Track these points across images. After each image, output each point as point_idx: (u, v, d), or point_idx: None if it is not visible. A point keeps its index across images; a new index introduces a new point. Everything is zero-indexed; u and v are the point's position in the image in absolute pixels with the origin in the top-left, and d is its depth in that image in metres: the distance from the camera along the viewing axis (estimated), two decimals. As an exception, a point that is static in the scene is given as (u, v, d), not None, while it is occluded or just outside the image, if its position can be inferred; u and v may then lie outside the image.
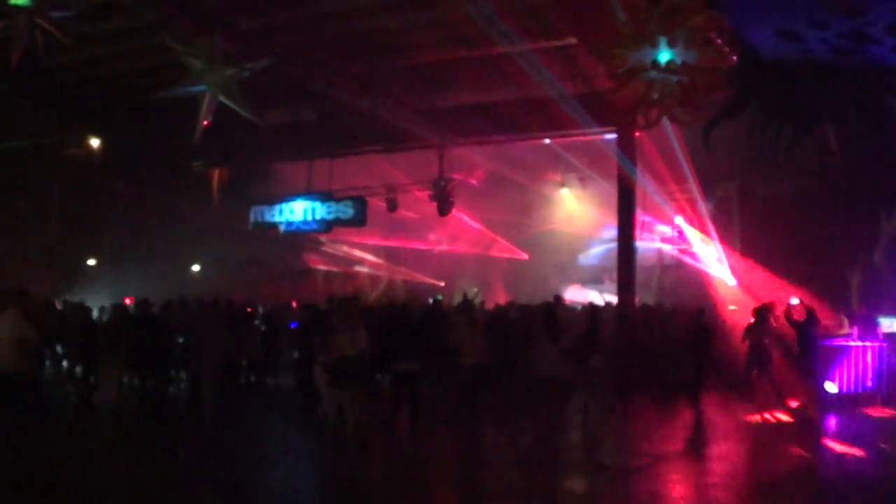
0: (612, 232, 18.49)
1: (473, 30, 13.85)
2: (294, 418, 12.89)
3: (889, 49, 12.46)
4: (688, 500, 8.58)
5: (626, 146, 16.03)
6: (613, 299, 17.70)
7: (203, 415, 12.55)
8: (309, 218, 19.80)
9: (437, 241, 26.73)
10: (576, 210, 24.21)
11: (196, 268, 24.54)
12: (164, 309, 14.71)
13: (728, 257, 19.54)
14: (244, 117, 13.57)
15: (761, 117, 15.00)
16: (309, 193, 19.94)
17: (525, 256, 25.96)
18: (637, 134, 15.93)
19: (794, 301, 16.36)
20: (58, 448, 10.38)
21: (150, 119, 18.32)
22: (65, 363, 14.70)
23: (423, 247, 26.55)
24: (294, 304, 19.22)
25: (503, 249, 26.08)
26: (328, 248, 26.17)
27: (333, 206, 19.58)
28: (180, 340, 13.55)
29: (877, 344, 14.59)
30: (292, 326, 15.81)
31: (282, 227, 20.26)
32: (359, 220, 19.63)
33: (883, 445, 11.42)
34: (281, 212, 20.18)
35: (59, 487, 8.45)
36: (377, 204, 20.74)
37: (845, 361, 14.35)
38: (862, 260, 17.40)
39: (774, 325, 14.30)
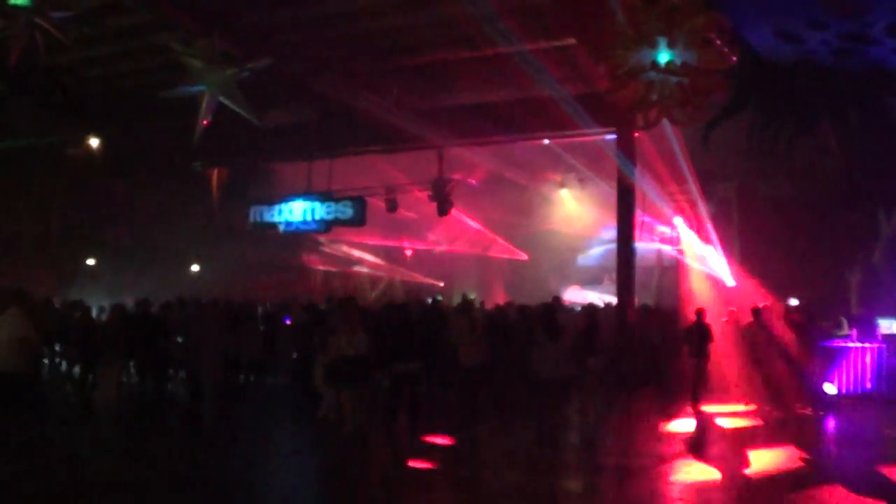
0: (611, 232, 18.51)
1: (473, 30, 13.86)
2: (293, 418, 12.89)
3: (889, 50, 12.47)
4: (687, 500, 8.58)
5: (626, 147, 16.04)
6: (613, 300, 17.72)
7: (202, 414, 12.55)
8: (308, 218, 19.80)
9: (437, 242, 26.75)
10: (575, 210, 24.23)
11: (195, 268, 24.54)
12: (163, 309, 14.72)
13: (727, 258, 19.54)
14: (244, 117, 13.57)
15: (761, 118, 15.01)
16: (308, 193, 19.94)
17: (524, 257, 25.98)
18: (636, 135, 15.95)
19: (793, 302, 16.39)
20: (57, 448, 10.39)
21: (149, 119, 18.33)
22: (62, 362, 14.71)
23: (422, 247, 26.57)
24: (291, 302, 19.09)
25: (502, 250, 26.10)
26: (327, 249, 26.17)
27: (333, 206, 19.58)
28: (179, 340, 13.56)
29: (876, 345, 14.60)
30: (286, 321, 15.81)
31: (281, 227, 20.26)
32: (358, 221, 19.63)
33: (882, 446, 11.43)
34: (280, 212, 20.19)
35: (58, 487, 8.45)
36: (377, 204, 20.74)
37: (844, 363, 14.37)
38: (861, 261, 17.41)
39: (773, 325, 14.30)
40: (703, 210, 19.46)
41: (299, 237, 22.94)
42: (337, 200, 19.64)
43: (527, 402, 13.23)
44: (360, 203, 19.54)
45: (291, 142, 19.47)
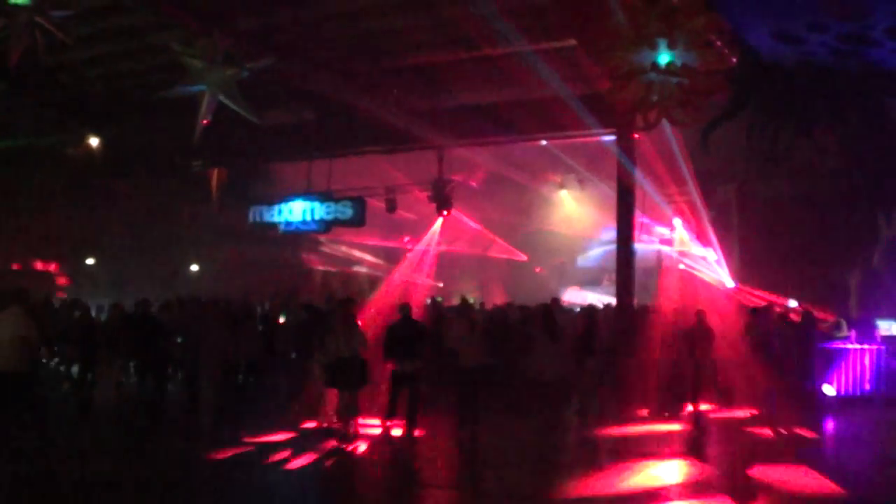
0: (610, 233, 18.50)
1: (474, 31, 13.84)
2: (292, 418, 12.89)
3: (889, 51, 12.47)
4: (684, 500, 8.59)
5: (626, 148, 16.02)
6: (612, 301, 17.72)
7: (201, 415, 12.56)
8: (308, 218, 19.80)
9: (436, 242, 26.71)
10: (574, 211, 24.25)
11: (195, 267, 24.54)
12: (162, 309, 14.71)
13: (727, 259, 19.55)
14: (244, 117, 13.57)
15: (760, 119, 15.00)
16: (308, 194, 19.95)
17: (524, 257, 25.99)
18: (636, 136, 15.93)
19: (792, 303, 16.40)
20: (56, 448, 10.39)
21: (149, 119, 18.31)
22: (61, 362, 14.70)
23: (421, 247, 26.55)
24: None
25: (502, 250, 26.11)
26: (327, 249, 26.17)
27: (332, 206, 19.58)
28: (179, 340, 13.56)
29: (875, 346, 14.60)
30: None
31: (281, 227, 20.26)
32: (358, 221, 19.63)
33: (881, 448, 11.44)
34: (280, 212, 20.18)
35: (58, 487, 8.45)
36: (376, 204, 20.74)
37: (843, 364, 14.36)
38: (860, 262, 17.42)
39: (772, 326, 14.30)
40: (703, 211, 19.47)
41: (299, 237, 22.94)
42: (336, 201, 19.64)
43: (526, 403, 13.26)
44: (359, 203, 19.54)
45: (291, 142, 19.45)
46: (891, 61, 12.84)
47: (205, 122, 13.34)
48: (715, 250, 19.80)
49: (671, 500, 8.53)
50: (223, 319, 13.91)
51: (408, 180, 20.94)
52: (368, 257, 27.31)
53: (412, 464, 10.11)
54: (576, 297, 23.68)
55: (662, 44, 9.65)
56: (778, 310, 15.36)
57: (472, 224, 25.20)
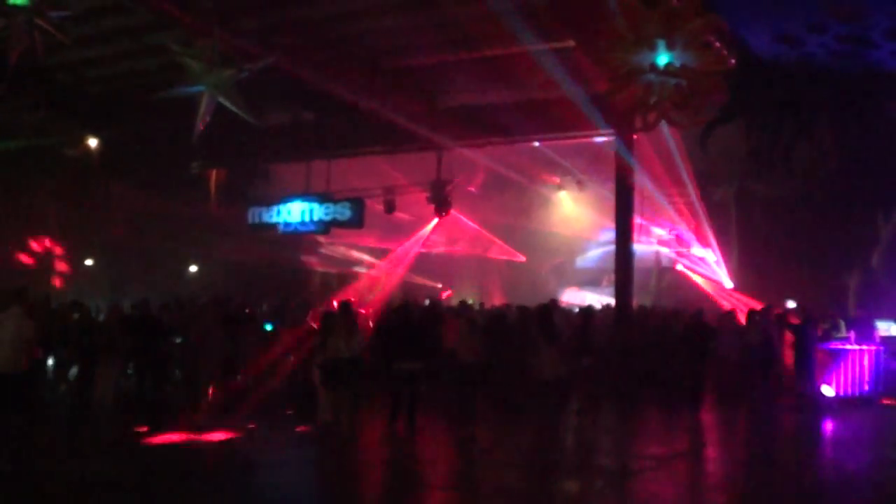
0: (609, 234, 18.51)
1: (473, 31, 13.86)
2: (291, 418, 12.89)
3: (887, 53, 12.51)
4: (682, 501, 8.59)
5: (624, 149, 16.04)
6: (611, 301, 17.73)
7: (199, 415, 12.54)
8: (307, 219, 19.80)
9: (435, 243, 26.71)
10: (573, 212, 24.24)
11: (194, 268, 24.52)
12: (162, 309, 14.69)
13: (725, 260, 19.57)
14: (242, 118, 13.56)
15: (759, 121, 15.03)
16: (307, 194, 19.95)
17: (522, 258, 25.99)
18: (635, 137, 15.95)
19: (791, 304, 16.40)
20: (55, 448, 10.39)
21: (148, 119, 18.30)
22: (51, 361, 14.67)
23: (421, 248, 26.54)
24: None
25: (501, 251, 26.11)
26: (326, 250, 26.15)
27: (331, 207, 19.58)
28: (178, 341, 13.54)
29: (874, 347, 14.60)
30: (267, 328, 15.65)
31: (280, 228, 20.27)
32: (356, 222, 19.63)
33: (881, 448, 11.44)
34: (279, 213, 20.18)
35: (57, 488, 8.44)
36: (376, 205, 20.73)
37: (842, 365, 14.37)
38: (859, 263, 17.43)
39: (770, 327, 14.31)
40: (702, 212, 19.49)
41: (298, 238, 22.93)
42: (335, 202, 19.64)
43: (525, 402, 13.25)
44: (358, 204, 19.54)
45: (290, 142, 19.46)
46: (889, 63, 12.88)
47: (203, 122, 13.33)
48: (714, 251, 19.82)
49: (669, 498, 8.53)
50: (222, 320, 13.91)
51: (407, 181, 20.93)
52: (367, 258, 27.26)
53: (412, 464, 10.11)
54: (575, 297, 23.68)
55: (661, 45, 9.66)
56: (777, 310, 15.35)
57: (472, 225, 25.20)
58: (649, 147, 16.95)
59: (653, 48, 9.72)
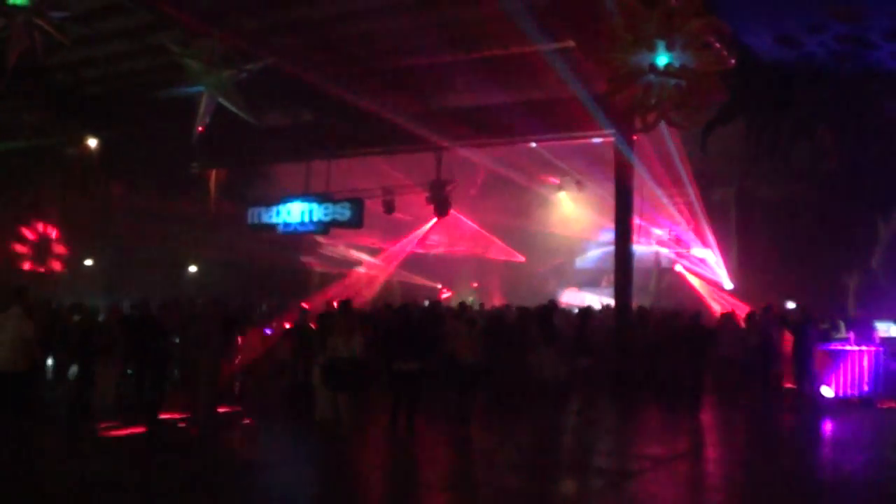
0: (609, 235, 18.51)
1: (472, 32, 13.86)
2: (290, 419, 12.89)
3: (887, 53, 12.51)
4: (684, 503, 8.59)
5: (624, 150, 16.04)
6: (610, 302, 17.73)
7: (199, 415, 12.53)
8: (306, 219, 19.80)
9: (435, 243, 26.73)
10: (573, 213, 24.25)
11: (193, 269, 24.51)
12: (161, 310, 14.67)
13: (725, 261, 19.57)
14: (242, 118, 13.56)
15: (759, 121, 15.03)
16: (306, 195, 19.95)
17: (522, 259, 25.99)
18: (635, 137, 15.95)
19: (791, 305, 16.40)
20: (55, 449, 10.39)
21: (148, 120, 18.31)
22: (51, 362, 14.66)
23: (420, 249, 26.56)
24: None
25: (500, 252, 26.11)
26: (325, 250, 26.15)
27: (331, 207, 19.58)
28: (177, 341, 13.52)
29: (873, 348, 14.60)
30: (266, 332, 15.64)
31: (279, 229, 20.27)
32: (356, 222, 19.63)
33: (880, 450, 11.44)
34: (279, 213, 20.19)
35: (58, 488, 8.44)
36: (375, 206, 20.74)
37: (842, 365, 14.36)
38: (859, 264, 17.42)
39: (769, 328, 14.31)
40: (702, 213, 19.49)
41: (298, 238, 22.93)
42: (335, 202, 19.64)
43: (525, 403, 13.26)
44: (358, 205, 19.54)
45: (289, 143, 19.46)
46: (889, 63, 12.88)
47: (203, 123, 13.33)
48: (713, 252, 19.82)
49: (668, 499, 8.53)
50: (222, 320, 13.90)
51: (406, 181, 20.94)
52: (366, 257, 27.26)
53: (411, 464, 10.10)
54: (574, 298, 23.68)
55: (661, 45, 9.66)
56: (776, 311, 15.35)
57: (472, 225, 25.20)
58: (649, 147, 16.95)
59: (652, 49, 9.73)
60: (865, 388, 14.42)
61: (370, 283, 26.27)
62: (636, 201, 17.01)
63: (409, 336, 11.36)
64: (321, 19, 14.45)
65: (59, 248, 22.91)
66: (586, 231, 24.05)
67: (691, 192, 19.00)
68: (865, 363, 14.48)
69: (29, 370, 9.52)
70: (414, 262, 26.70)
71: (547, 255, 25.64)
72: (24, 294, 9.79)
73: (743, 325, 14.82)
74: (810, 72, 13.38)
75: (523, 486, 9.00)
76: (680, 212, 20.26)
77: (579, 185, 22.50)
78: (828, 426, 13.20)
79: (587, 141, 17.88)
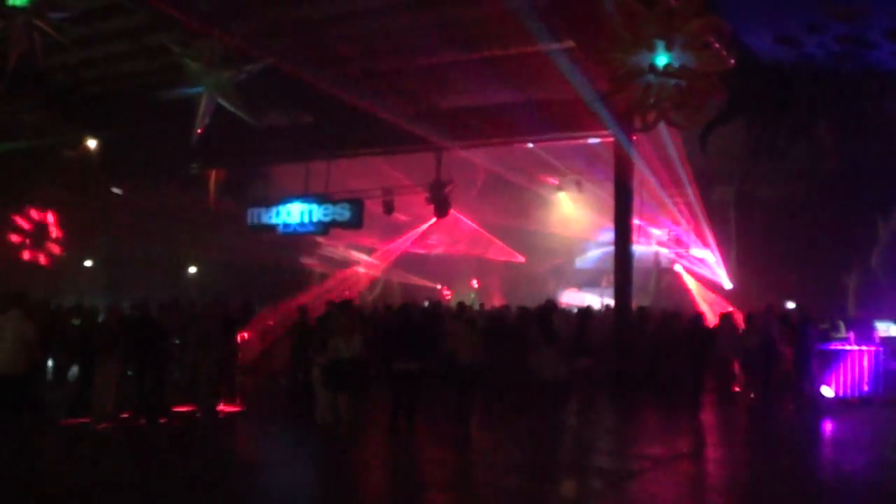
0: (609, 235, 18.51)
1: (471, 33, 13.85)
2: (290, 420, 12.89)
3: (887, 53, 12.51)
4: (684, 503, 8.59)
5: (624, 150, 16.04)
6: (611, 302, 17.73)
7: (199, 416, 12.54)
8: (306, 220, 19.79)
9: (435, 244, 26.73)
10: (573, 213, 24.24)
11: (193, 269, 24.53)
12: (161, 311, 14.67)
13: (725, 261, 19.57)
14: (242, 119, 13.55)
15: (759, 121, 15.02)
16: (306, 195, 19.96)
17: (522, 259, 25.99)
18: (634, 137, 15.94)
19: (790, 305, 16.40)
20: (55, 450, 10.39)
21: (147, 120, 18.28)
22: (50, 364, 14.67)
23: (419, 250, 26.56)
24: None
25: (500, 252, 26.11)
26: (325, 251, 26.15)
27: (330, 208, 19.58)
28: (177, 342, 13.53)
29: (873, 348, 14.60)
30: None
31: (279, 229, 20.27)
32: (355, 223, 19.63)
33: (880, 449, 11.44)
34: (278, 213, 20.18)
35: (57, 489, 8.44)
36: (375, 207, 20.73)
37: (842, 365, 14.37)
38: (858, 264, 17.43)
39: (768, 329, 14.31)
40: (701, 213, 19.48)
41: (298, 239, 22.93)
42: (334, 202, 19.64)
43: (525, 403, 13.26)
44: (357, 205, 19.54)
45: (289, 143, 19.44)
46: (889, 63, 12.87)
47: (203, 123, 13.32)
48: (713, 252, 19.82)
49: (668, 499, 8.53)
50: (222, 321, 13.92)
51: (406, 182, 20.93)
52: (366, 257, 27.26)
53: (412, 464, 10.10)
54: (574, 298, 23.69)
55: (660, 45, 9.66)
56: (776, 311, 15.35)
57: (472, 225, 25.20)
58: (649, 147, 16.94)
59: (652, 49, 9.72)
60: (865, 388, 14.42)
61: (360, 282, 26.36)
62: (636, 201, 17.00)
63: (409, 336, 11.36)
64: (321, 19, 14.43)
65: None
66: (586, 231, 24.04)
67: (690, 191, 18.99)
68: (865, 363, 14.49)
69: (29, 372, 9.52)
70: (414, 263, 26.71)
71: (547, 255, 25.65)
72: (23, 297, 9.79)
73: (742, 325, 14.83)
74: (810, 72, 13.37)
75: (523, 486, 9.00)
76: (679, 212, 20.25)
77: (579, 185, 22.51)
78: (828, 426, 13.20)
79: (587, 141, 17.88)
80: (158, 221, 22.20)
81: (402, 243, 25.58)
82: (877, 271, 17.24)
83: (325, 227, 19.98)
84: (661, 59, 9.73)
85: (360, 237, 24.46)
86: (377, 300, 24.90)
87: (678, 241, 21.25)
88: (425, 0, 13.48)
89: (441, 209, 19.26)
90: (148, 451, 10.58)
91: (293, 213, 19.97)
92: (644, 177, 17.56)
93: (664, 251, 22.22)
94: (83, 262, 23.40)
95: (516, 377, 13.69)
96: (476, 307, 20.01)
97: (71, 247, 22.87)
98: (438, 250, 27.00)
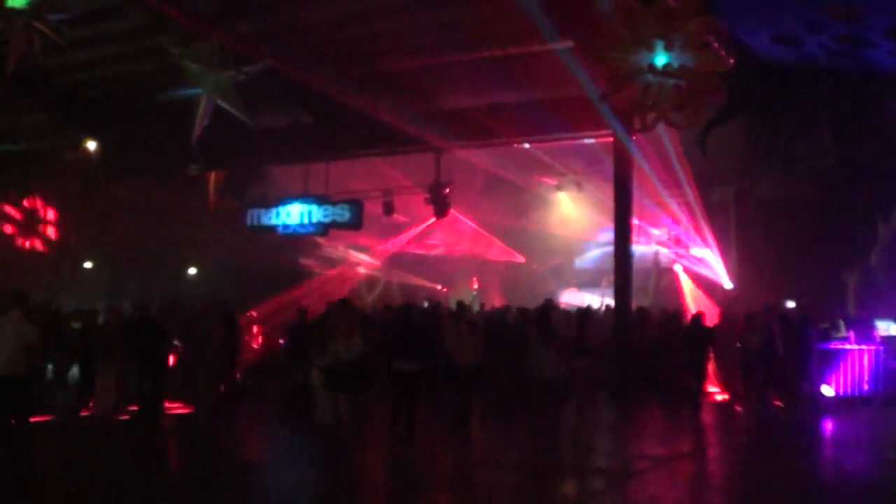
0: (608, 235, 18.49)
1: (471, 33, 13.85)
2: (290, 421, 12.89)
3: (886, 52, 12.50)
4: (683, 502, 8.59)
5: (623, 150, 16.03)
6: (611, 301, 17.71)
7: (199, 417, 12.55)
8: (306, 221, 19.79)
9: (435, 244, 26.70)
10: (572, 213, 24.22)
11: (193, 270, 24.51)
12: (161, 312, 14.68)
13: (724, 260, 19.55)
14: (241, 120, 13.56)
15: (758, 121, 15.02)
16: (306, 196, 19.95)
17: (522, 259, 25.98)
18: (634, 137, 15.93)
19: (790, 304, 16.39)
20: (54, 450, 10.39)
21: (147, 122, 18.30)
22: (50, 367, 14.66)
23: (419, 250, 26.54)
24: None
25: (500, 252, 26.09)
26: (324, 252, 26.12)
27: (330, 209, 19.57)
28: (177, 343, 13.53)
29: (873, 347, 14.60)
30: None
31: (279, 230, 20.27)
32: (355, 224, 19.63)
33: (880, 449, 11.44)
34: (278, 214, 20.18)
35: (58, 490, 8.44)
36: (374, 207, 20.73)
37: (842, 365, 14.37)
38: (858, 263, 17.41)
39: (768, 329, 14.30)
40: (701, 212, 19.46)
41: (297, 240, 22.92)
42: (334, 203, 19.63)
43: (524, 404, 13.26)
44: (357, 206, 19.53)
45: (288, 144, 19.44)
46: (888, 62, 12.87)
47: (202, 125, 13.32)
48: (713, 251, 19.79)
49: (668, 499, 8.52)
50: (222, 321, 13.93)
51: (406, 182, 20.93)
52: (365, 258, 27.24)
53: (412, 465, 10.10)
54: (574, 298, 23.65)
55: (659, 45, 9.66)
56: (777, 311, 15.34)
57: (472, 225, 25.19)
58: (648, 147, 16.93)
59: (651, 49, 9.72)
60: (865, 387, 14.42)
61: (360, 282, 26.39)
62: (636, 201, 16.98)
63: (409, 337, 11.36)
64: (320, 21, 14.44)
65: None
66: (586, 231, 24.02)
67: (690, 191, 18.96)
68: (865, 362, 14.49)
69: (29, 374, 9.52)
70: (414, 263, 26.68)
71: (546, 255, 25.60)
72: (23, 298, 9.78)
73: (742, 326, 14.82)
74: (810, 71, 13.38)
75: (523, 486, 9.00)
76: (679, 211, 20.23)
77: (578, 185, 22.49)
78: (828, 426, 13.20)
79: (587, 141, 17.89)
80: (158, 223, 22.17)
81: (401, 243, 25.57)
82: (877, 271, 17.23)
83: (324, 228, 19.98)
84: (661, 59, 9.73)
85: (359, 238, 24.44)
86: (377, 301, 24.88)
87: (678, 241, 21.23)
88: (425, 0, 13.49)
89: (440, 210, 19.26)
90: (148, 451, 10.58)
91: (293, 214, 19.96)
92: (644, 177, 17.55)
93: (664, 251, 22.19)
94: (83, 264, 23.36)
95: (515, 377, 13.68)
96: (476, 308, 19.99)
97: (71, 248, 22.84)
98: (438, 250, 26.97)
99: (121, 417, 12.27)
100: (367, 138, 18.31)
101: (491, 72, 15.49)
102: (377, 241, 25.76)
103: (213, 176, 21.82)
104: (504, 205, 24.38)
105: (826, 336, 14.79)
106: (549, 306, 15.19)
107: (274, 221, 20.22)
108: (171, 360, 13.28)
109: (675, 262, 21.70)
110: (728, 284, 19.48)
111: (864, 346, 14.56)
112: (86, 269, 23.43)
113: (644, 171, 17.32)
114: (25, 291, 10.05)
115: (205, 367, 13.00)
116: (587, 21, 11.83)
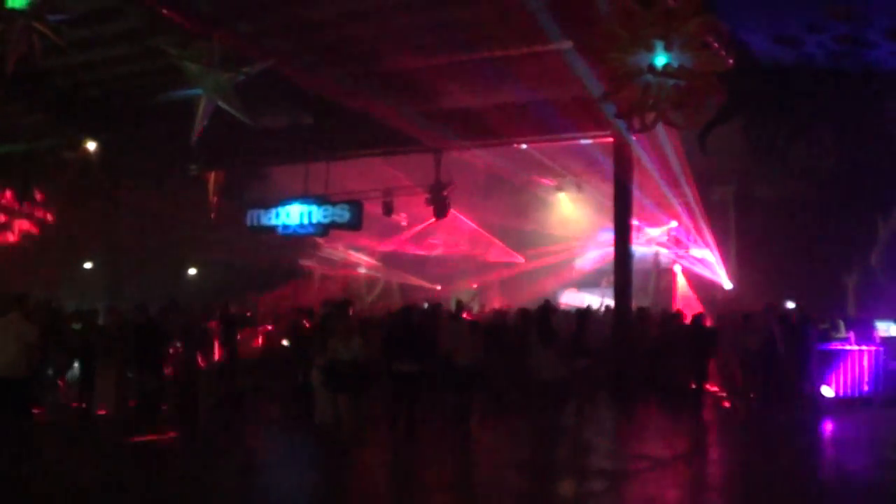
0: (608, 235, 18.51)
1: (471, 34, 13.84)
2: (290, 421, 12.89)
3: (886, 52, 12.50)
4: (683, 502, 8.58)
5: (622, 150, 16.04)
6: (610, 302, 17.72)
7: (199, 418, 12.54)
8: (305, 221, 19.77)
9: (434, 244, 26.72)
10: (572, 213, 24.25)
11: (193, 271, 24.52)
12: (161, 313, 14.68)
13: (724, 261, 19.56)
14: (241, 121, 13.55)
15: (758, 121, 15.01)
16: (305, 197, 19.95)
17: (521, 259, 26.00)
18: (633, 138, 15.93)
19: (790, 305, 16.40)
20: (55, 451, 10.39)
21: (146, 123, 18.30)
22: (50, 369, 14.67)
23: (419, 251, 26.55)
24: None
25: (500, 252, 26.11)
26: (324, 253, 26.14)
27: (330, 209, 19.56)
28: (178, 344, 13.52)
29: (873, 348, 14.60)
30: None
31: (279, 231, 20.26)
32: (355, 224, 19.61)
33: (880, 450, 11.44)
34: (277, 215, 20.16)
35: (57, 491, 8.44)
36: (374, 208, 20.73)
37: (842, 365, 14.36)
38: (858, 263, 17.42)
39: (774, 327, 14.31)
40: (701, 213, 19.47)
41: (297, 240, 22.93)
42: (334, 204, 19.62)
43: (524, 404, 13.26)
44: (357, 207, 19.52)
45: (288, 145, 19.44)
46: (888, 62, 12.86)
47: (202, 125, 13.31)
48: (712, 251, 19.81)
49: (668, 499, 8.52)
50: (222, 321, 13.92)
51: (406, 183, 20.94)
52: (365, 258, 27.26)
53: (413, 464, 10.11)
54: (573, 298, 23.68)
55: (659, 45, 9.65)
56: (777, 311, 15.34)
57: (472, 225, 25.20)
58: (648, 148, 16.94)
59: (650, 49, 9.71)
60: (865, 387, 14.42)
61: (359, 282, 26.40)
62: (635, 201, 16.99)
63: (409, 338, 11.36)
64: (320, 21, 14.43)
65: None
66: (585, 232, 24.05)
67: (689, 191, 18.98)
68: (865, 363, 14.49)
69: (30, 375, 9.52)
70: (414, 264, 26.70)
71: (546, 255, 25.62)
72: (23, 299, 9.80)
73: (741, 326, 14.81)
74: (810, 72, 13.37)
75: (523, 486, 9.00)
76: (679, 211, 20.24)
77: (578, 185, 22.51)
78: (828, 426, 13.20)
79: (586, 142, 17.89)
80: (158, 223, 22.18)
81: (401, 243, 25.58)
82: (877, 271, 17.24)
83: (324, 229, 19.97)
84: (660, 60, 9.72)
85: (359, 238, 24.45)
86: (376, 301, 24.90)
87: (677, 241, 21.25)
88: (425, 0, 13.48)
89: (440, 210, 19.26)
90: (148, 451, 10.58)
91: (292, 215, 19.95)
92: (643, 177, 17.56)
93: (664, 251, 22.21)
94: (83, 264, 23.37)
95: (515, 378, 13.68)
96: (475, 308, 20.00)
97: (71, 248, 22.84)
98: (438, 251, 26.99)
99: (121, 417, 12.26)
100: (367, 138, 18.31)
101: (491, 72, 15.48)
102: (377, 242, 25.77)
103: (212, 176, 21.81)
104: (504, 205, 24.41)
105: (826, 336, 14.79)
106: (550, 308, 15.19)
107: (274, 222, 20.21)
108: (171, 360, 13.23)
109: (674, 262, 21.72)
110: (728, 284, 19.49)
111: (863, 347, 14.56)
112: (85, 270, 23.44)
113: (644, 172, 17.33)
114: (25, 293, 10.06)
115: (203, 368, 12.99)
116: (587, 21, 11.83)
